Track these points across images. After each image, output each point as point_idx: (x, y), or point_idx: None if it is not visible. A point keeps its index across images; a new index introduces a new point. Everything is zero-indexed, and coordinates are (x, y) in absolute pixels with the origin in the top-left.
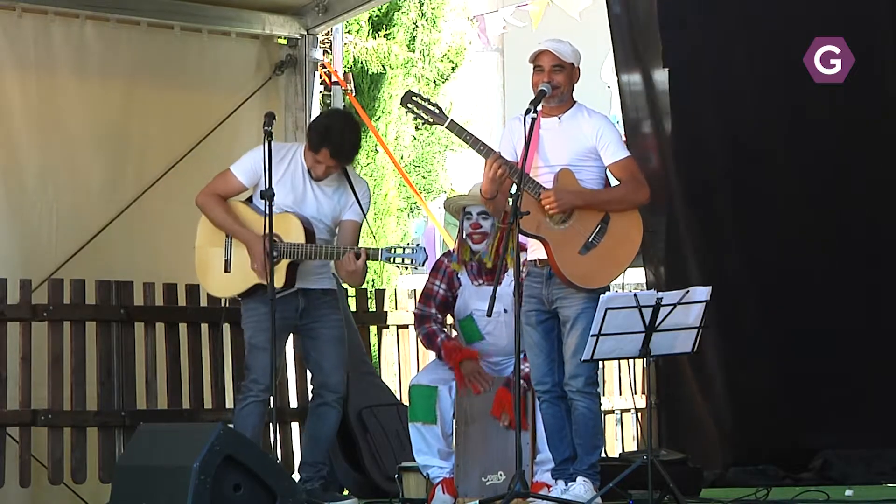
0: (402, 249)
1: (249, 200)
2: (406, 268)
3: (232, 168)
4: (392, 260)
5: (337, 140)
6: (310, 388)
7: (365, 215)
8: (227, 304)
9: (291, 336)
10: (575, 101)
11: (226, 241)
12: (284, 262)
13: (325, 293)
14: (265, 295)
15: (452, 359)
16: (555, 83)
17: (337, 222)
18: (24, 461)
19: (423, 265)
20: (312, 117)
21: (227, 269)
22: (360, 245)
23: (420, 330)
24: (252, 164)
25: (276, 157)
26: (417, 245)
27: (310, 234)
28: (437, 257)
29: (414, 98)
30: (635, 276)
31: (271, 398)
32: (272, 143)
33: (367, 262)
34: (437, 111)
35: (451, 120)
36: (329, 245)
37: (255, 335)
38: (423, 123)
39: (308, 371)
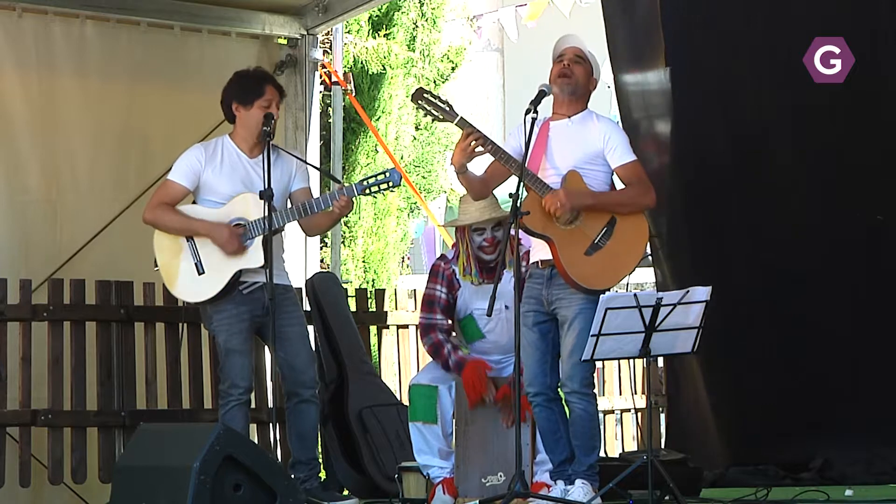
0: (374, 178)
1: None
2: (384, 194)
3: (170, 177)
4: (368, 191)
5: (267, 74)
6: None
7: (308, 179)
8: (185, 304)
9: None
10: (587, 108)
11: (189, 246)
12: (258, 240)
13: (286, 290)
14: (234, 295)
15: (471, 374)
16: (571, 71)
17: (286, 196)
18: (24, 461)
19: (399, 185)
20: (312, 118)
21: (200, 272)
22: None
23: (426, 340)
24: (188, 165)
25: (207, 152)
26: (388, 169)
27: (271, 206)
28: (434, 260)
29: (425, 95)
30: (636, 276)
31: (270, 398)
32: (199, 143)
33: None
34: (447, 108)
35: (461, 117)
36: (307, 202)
37: (230, 339)
38: (434, 120)
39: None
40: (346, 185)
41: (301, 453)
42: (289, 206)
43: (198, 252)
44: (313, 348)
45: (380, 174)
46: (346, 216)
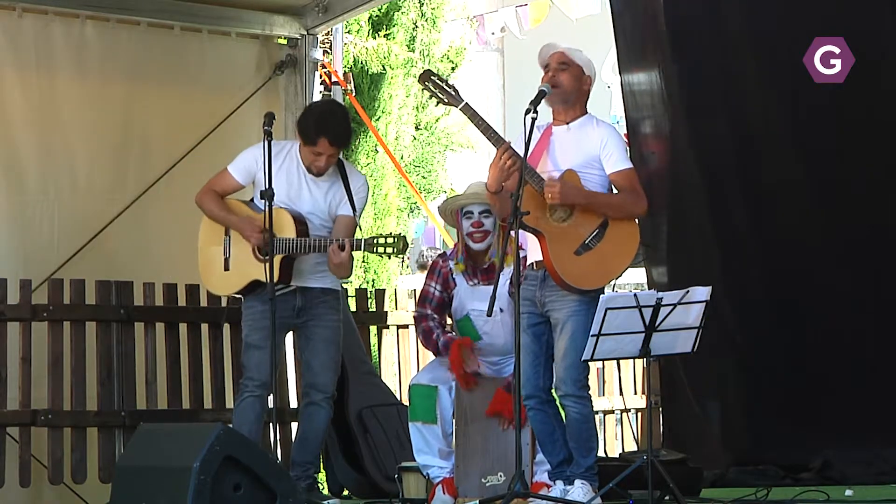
0: (383, 239)
1: (251, 201)
2: (389, 257)
3: (229, 167)
4: (374, 250)
5: (333, 126)
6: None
7: (358, 210)
8: (228, 304)
9: (291, 336)
10: (587, 112)
11: (225, 240)
12: (278, 258)
13: (324, 292)
14: (263, 293)
15: (451, 350)
16: (558, 81)
17: (326, 217)
18: (24, 461)
19: (404, 252)
20: None
21: (226, 268)
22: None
23: (418, 330)
24: (246, 162)
25: (273, 152)
26: (399, 234)
27: (301, 230)
28: (433, 259)
29: (432, 77)
30: (635, 276)
31: (270, 397)
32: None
33: (353, 253)
34: (452, 92)
35: (466, 103)
36: (318, 238)
37: (251, 333)
38: (438, 103)
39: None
40: (355, 239)
41: (299, 454)
42: (326, 230)
43: (230, 249)
44: (337, 357)
45: (389, 237)
46: (341, 277)
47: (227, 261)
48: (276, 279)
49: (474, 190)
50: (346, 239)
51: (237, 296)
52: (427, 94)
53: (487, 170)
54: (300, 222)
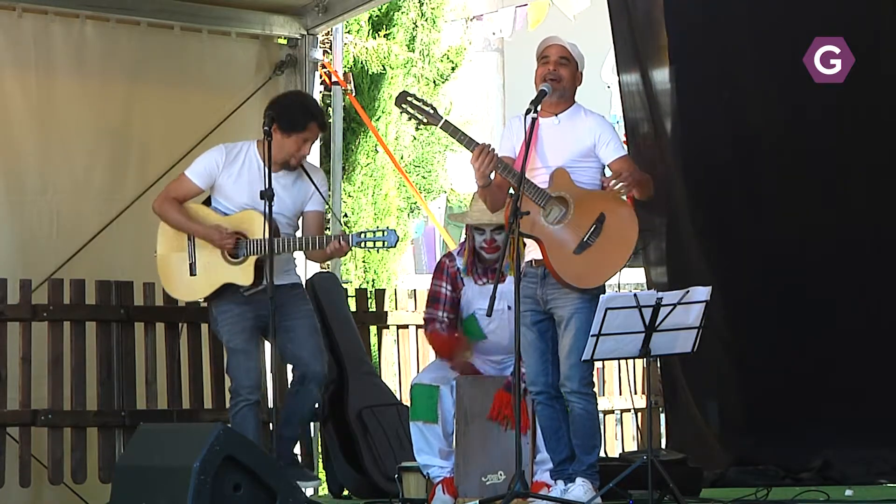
0: (371, 234)
1: (207, 203)
2: (378, 251)
3: (186, 172)
4: (363, 244)
5: (318, 110)
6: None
7: (326, 202)
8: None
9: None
10: (575, 102)
11: (189, 245)
12: (252, 259)
13: (293, 287)
14: (234, 295)
15: (444, 353)
16: (559, 75)
17: (298, 215)
18: (24, 461)
19: (394, 246)
20: None
21: (192, 273)
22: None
23: (428, 332)
24: (206, 166)
25: (228, 156)
26: (387, 228)
27: (274, 229)
28: (439, 259)
29: (408, 98)
30: (635, 277)
31: (270, 394)
32: (224, 144)
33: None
34: (431, 111)
35: (446, 120)
36: (310, 238)
37: (232, 338)
38: (418, 124)
39: (289, 365)
40: (345, 233)
41: (287, 430)
42: (298, 230)
43: (195, 253)
44: (322, 343)
45: (378, 231)
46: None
47: (192, 266)
48: (250, 281)
49: (482, 209)
50: (343, 233)
51: (202, 301)
52: (406, 115)
53: (453, 149)
54: (272, 222)
